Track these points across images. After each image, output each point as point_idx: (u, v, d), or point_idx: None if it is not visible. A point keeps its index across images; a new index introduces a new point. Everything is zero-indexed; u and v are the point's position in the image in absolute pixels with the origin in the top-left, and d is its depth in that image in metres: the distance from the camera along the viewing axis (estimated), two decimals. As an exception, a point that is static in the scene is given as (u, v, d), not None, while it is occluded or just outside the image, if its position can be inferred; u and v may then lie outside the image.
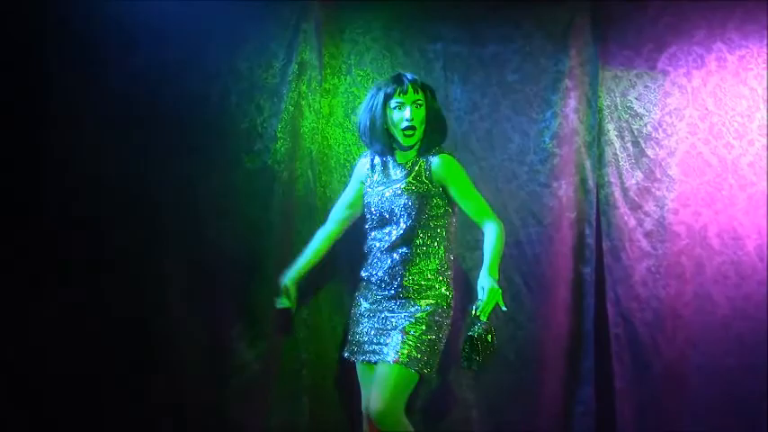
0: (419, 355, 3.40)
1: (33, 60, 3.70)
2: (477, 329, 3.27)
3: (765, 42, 4.28)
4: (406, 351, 3.39)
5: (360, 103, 4.12)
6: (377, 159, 3.67)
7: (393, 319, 3.51)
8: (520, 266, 4.17)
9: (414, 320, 3.46)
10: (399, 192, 3.53)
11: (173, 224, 3.88)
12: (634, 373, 4.20)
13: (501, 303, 3.31)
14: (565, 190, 4.21)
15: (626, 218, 4.25)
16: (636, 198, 4.26)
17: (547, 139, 4.22)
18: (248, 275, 3.95)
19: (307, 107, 4.06)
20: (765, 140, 4.26)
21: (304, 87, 4.05)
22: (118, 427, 3.77)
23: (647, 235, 4.25)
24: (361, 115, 3.62)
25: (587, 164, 4.23)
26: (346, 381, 3.95)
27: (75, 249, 3.74)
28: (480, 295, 3.30)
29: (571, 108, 4.22)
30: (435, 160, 3.54)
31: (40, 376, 3.67)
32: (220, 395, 3.90)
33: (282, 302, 3.75)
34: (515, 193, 4.19)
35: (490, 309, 3.28)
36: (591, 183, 4.24)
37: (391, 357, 3.40)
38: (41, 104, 3.71)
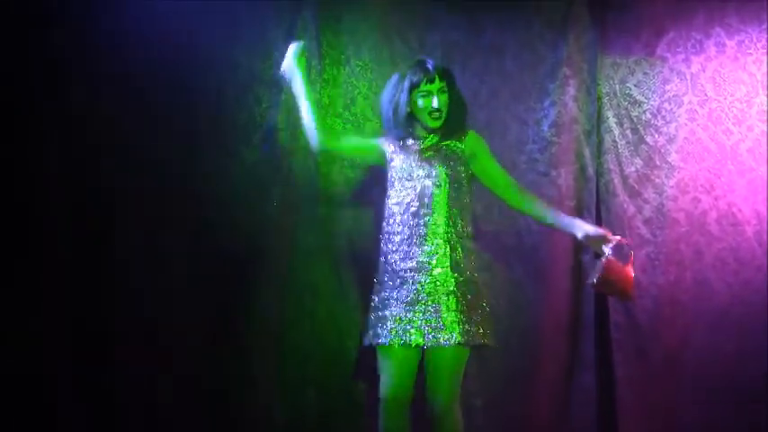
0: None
1: (29, 59, 3.69)
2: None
3: (764, 27, 4.27)
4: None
5: (359, 93, 4.13)
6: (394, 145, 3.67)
7: None
8: (520, 255, 4.18)
9: None
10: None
11: (172, 217, 3.88)
12: (634, 360, 4.21)
13: None
14: (564, 178, 4.21)
15: (625, 205, 4.25)
16: (635, 185, 4.26)
17: (546, 128, 4.21)
18: (248, 267, 3.96)
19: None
20: (764, 126, 4.26)
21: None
22: (123, 419, 3.80)
23: (647, 222, 4.26)
24: (385, 104, 3.64)
25: (586, 152, 4.23)
26: (355, 371, 4.03)
27: (75, 243, 3.75)
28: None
29: (570, 96, 4.22)
30: (469, 134, 3.62)
31: (39, 374, 3.69)
32: (224, 387, 3.92)
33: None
34: (514, 182, 4.19)
35: None
36: (590, 171, 4.24)
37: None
38: (39, 101, 3.71)
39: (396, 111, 3.56)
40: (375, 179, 4.00)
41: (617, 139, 4.27)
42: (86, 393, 3.73)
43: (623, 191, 4.26)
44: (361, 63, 4.15)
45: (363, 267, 3.92)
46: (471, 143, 3.61)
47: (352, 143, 3.86)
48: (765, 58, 4.27)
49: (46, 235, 3.71)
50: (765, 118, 4.26)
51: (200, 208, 3.91)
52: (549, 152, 4.21)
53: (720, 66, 4.28)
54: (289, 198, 4.00)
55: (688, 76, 4.28)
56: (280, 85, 3.97)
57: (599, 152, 4.26)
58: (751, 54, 4.28)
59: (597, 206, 4.25)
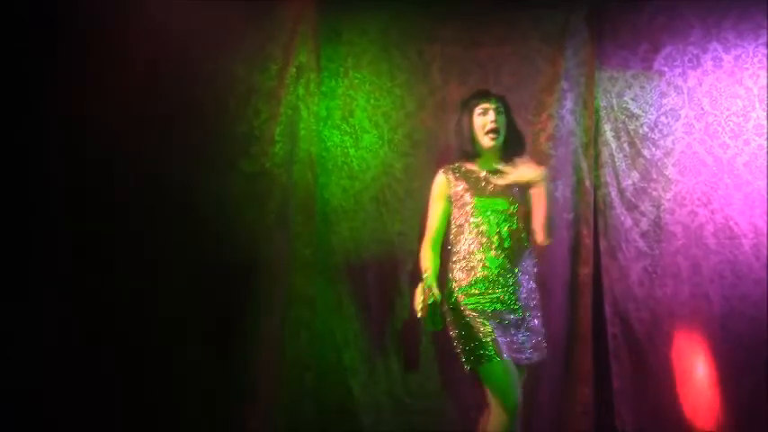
0: None
1: (31, 65, 3.72)
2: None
3: (761, 42, 4.29)
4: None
5: (356, 105, 4.17)
6: (455, 173, 3.58)
7: None
8: (518, 268, 4.19)
9: None
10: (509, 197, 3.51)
11: (171, 227, 3.90)
12: (632, 373, 4.21)
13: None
14: (562, 191, 4.23)
15: (622, 218, 4.27)
16: (632, 198, 4.28)
17: (543, 141, 4.23)
18: (247, 278, 3.97)
19: (305, 110, 4.08)
20: (761, 140, 4.27)
21: (302, 90, 4.07)
22: (118, 427, 3.80)
23: (644, 235, 4.27)
24: (452, 133, 3.63)
25: (584, 165, 4.25)
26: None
27: (74, 251, 3.76)
28: None
29: (567, 109, 4.24)
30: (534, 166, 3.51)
31: (37, 376, 3.70)
32: (221, 398, 3.92)
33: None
34: (512, 195, 4.20)
35: None
36: (587, 183, 4.26)
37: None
38: (38, 110, 3.73)
39: (460, 130, 3.56)
40: (371, 190, 4.04)
41: (614, 153, 4.29)
42: (84, 394, 3.74)
43: (620, 204, 4.27)
44: (359, 75, 4.17)
45: (359, 279, 3.93)
46: (537, 174, 3.47)
47: (440, 224, 3.59)
48: (762, 72, 4.29)
49: (46, 248, 3.74)
50: (762, 132, 4.27)
51: (199, 220, 3.93)
52: (547, 165, 4.21)
53: (717, 80, 4.31)
54: (286, 209, 4.02)
55: (685, 91, 4.31)
56: (278, 98, 3.99)
57: (596, 165, 4.28)
58: (748, 69, 4.30)
59: (594, 219, 4.26)
